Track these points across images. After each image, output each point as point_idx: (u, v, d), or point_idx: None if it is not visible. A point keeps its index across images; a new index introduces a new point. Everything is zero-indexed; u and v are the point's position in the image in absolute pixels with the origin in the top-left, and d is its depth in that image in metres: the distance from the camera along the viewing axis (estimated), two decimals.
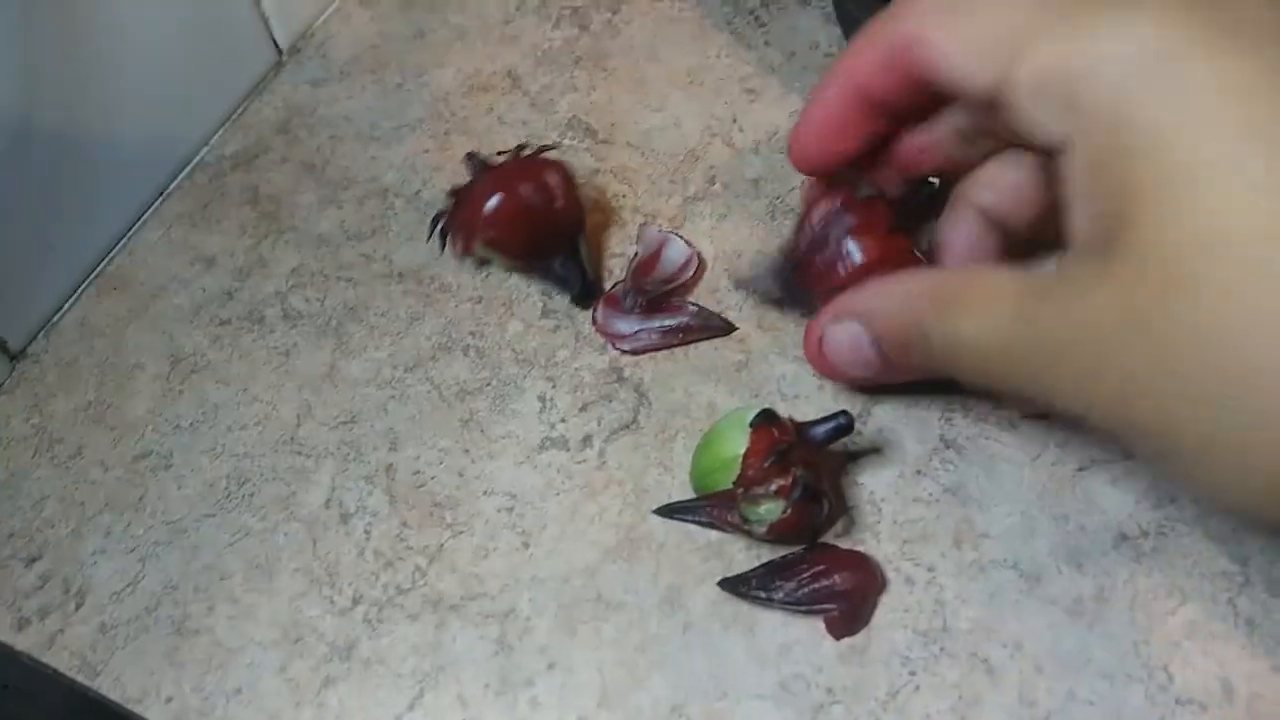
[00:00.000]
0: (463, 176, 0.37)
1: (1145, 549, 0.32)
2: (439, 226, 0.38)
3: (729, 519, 0.31)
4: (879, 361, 0.31)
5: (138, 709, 0.31)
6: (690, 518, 0.33)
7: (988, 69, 0.26)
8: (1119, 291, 0.23)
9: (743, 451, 0.30)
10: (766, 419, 0.31)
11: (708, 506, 0.32)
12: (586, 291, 0.37)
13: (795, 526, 0.30)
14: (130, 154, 0.41)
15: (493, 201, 0.36)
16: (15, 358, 0.39)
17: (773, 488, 0.30)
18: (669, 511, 0.33)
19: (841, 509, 0.33)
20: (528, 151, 0.37)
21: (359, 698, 0.31)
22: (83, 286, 0.40)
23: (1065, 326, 0.24)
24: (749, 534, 0.31)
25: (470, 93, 0.45)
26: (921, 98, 0.29)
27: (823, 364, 0.33)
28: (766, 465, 0.30)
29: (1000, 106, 0.26)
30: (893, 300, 0.30)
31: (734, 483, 0.30)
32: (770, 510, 0.30)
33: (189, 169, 0.44)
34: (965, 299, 0.27)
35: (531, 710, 0.30)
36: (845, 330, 0.31)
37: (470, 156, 0.37)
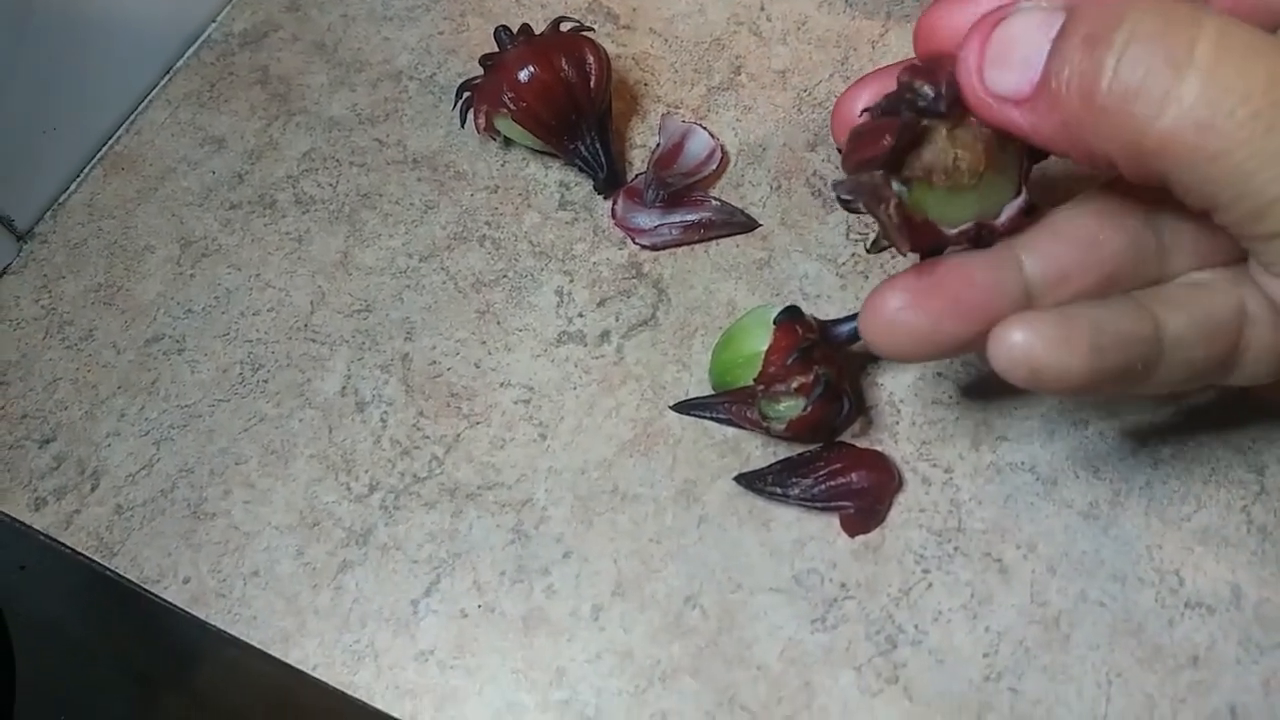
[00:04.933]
0: (477, 68, 0.36)
1: (1163, 456, 0.32)
2: (464, 97, 0.37)
3: (747, 415, 0.31)
4: (1038, 82, 0.21)
5: (156, 589, 0.31)
6: (708, 414, 0.33)
7: None
8: None
9: (765, 348, 0.30)
10: (791, 316, 0.30)
11: (726, 403, 0.32)
12: (611, 178, 0.36)
13: (814, 425, 0.30)
14: (135, 30, 0.40)
15: (526, 71, 0.35)
16: (22, 238, 0.38)
17: (794, 385, 0.30)
18: (686, 407, 0.33)
19: (861, 409, 0.33)
20: (568, 26, 0.36)
21: (376, 582, 0.31)
22: (89, 167, 0.39)
23: None
24: (767, 431, 0.31)
25: None
26: None
27: (976, 51, 0.22)
28: (789, 363, 0.30)
29: None
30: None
31: (755, 379, 0.30)
32: (790, 408, 0.30)
33: (196, 47, 0.42)
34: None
35: (547, 598, 0.31)
36: (1032, 15, 0.21)
37: (501, 29, 0.36)
